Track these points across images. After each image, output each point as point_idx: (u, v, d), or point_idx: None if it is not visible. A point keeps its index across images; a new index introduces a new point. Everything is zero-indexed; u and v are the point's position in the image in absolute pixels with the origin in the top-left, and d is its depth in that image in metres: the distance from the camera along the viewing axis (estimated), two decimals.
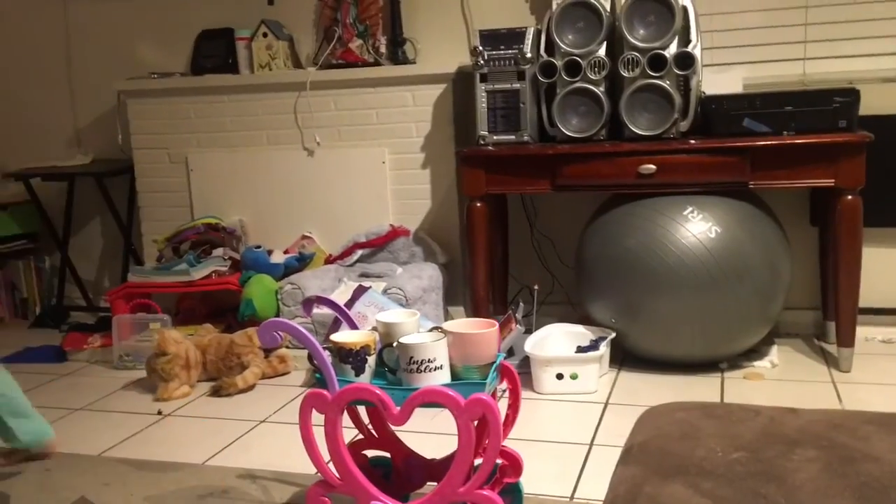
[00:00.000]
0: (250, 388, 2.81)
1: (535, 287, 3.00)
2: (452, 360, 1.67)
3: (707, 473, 0.92)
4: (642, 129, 2.75)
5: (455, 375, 1.67)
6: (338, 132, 3.40)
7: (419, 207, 3.35)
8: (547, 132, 2.90)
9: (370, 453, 1.93)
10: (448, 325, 1.71)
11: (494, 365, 1.69)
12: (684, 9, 2.71)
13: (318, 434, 1.67)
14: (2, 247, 3.85)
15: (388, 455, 1.92)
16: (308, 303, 1.94)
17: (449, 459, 1.71)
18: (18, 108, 3.99)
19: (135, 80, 3.61)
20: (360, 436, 1.93)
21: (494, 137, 2.93)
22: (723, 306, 2.59)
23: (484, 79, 2.92)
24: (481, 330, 1.69)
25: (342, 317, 1.89)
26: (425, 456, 1.92)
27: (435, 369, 1.64)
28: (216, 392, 2.78)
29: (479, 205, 2.90)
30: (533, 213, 3.35)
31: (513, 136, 2.91)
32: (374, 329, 1.76)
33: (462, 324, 1.75)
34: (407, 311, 1.80)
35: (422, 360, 1.63)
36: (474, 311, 2.98)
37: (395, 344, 1.68)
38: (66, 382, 3.02)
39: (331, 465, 1.70)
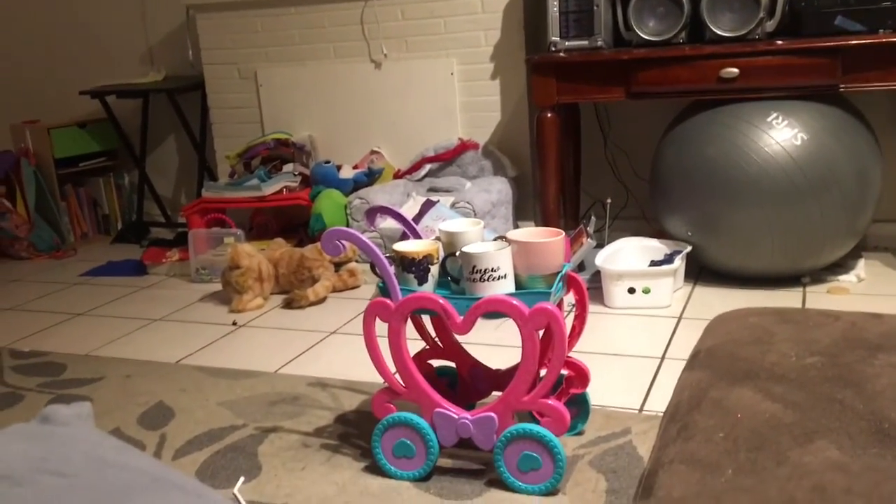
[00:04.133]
0: (321, 300, 2.84)
1: (608, 200, 2.92)
2: (517, 269, 1.63)
3: (779, 378, 0.86)
4: (725, 31, 2.58)
5: (519, 285, 1.63)
6: (405, 43, 3.32)
7: (488, 120, 3.27)
8: (622, 37, 2.76)
9: (436, 363, 1.92)
10: (512, 235, 1.67)
11: (560, 275, 1.64)
12: None
13: (385, 345, 1.67)
14: (83, 164, 3.95)
15: (453, 365, 1.92)
16: (371, 213, 1.91)
17: (514, 370, 1.69)
18: (92, 26, 4.03)
19: None
20: (427, 346, 1.92)
21: (566, 43, 2.81)
22: (807, 218, 2.46)
23: None
24: (546, 238, 1.64)
25: (404, 226, 1.86)
26: (490, 367, 1.91)
27: (498, 278, 1.60)
28: (288, 304, 2.83)
29: (549, 115, 2.81)
30: (606, 124, 3.23)
31: (586, 42, 2.78)
32: (438, 239, 1.73)
33: (527, 233, 1.70)
34: (471, 220, 1.76)
35: (485, 269, 1.59)
36: (545, 226, 2.91)
37: (457, 253, 1.64)
38: (146, 294, 3.12)
39: (397, 375, 1.70)
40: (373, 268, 1.69)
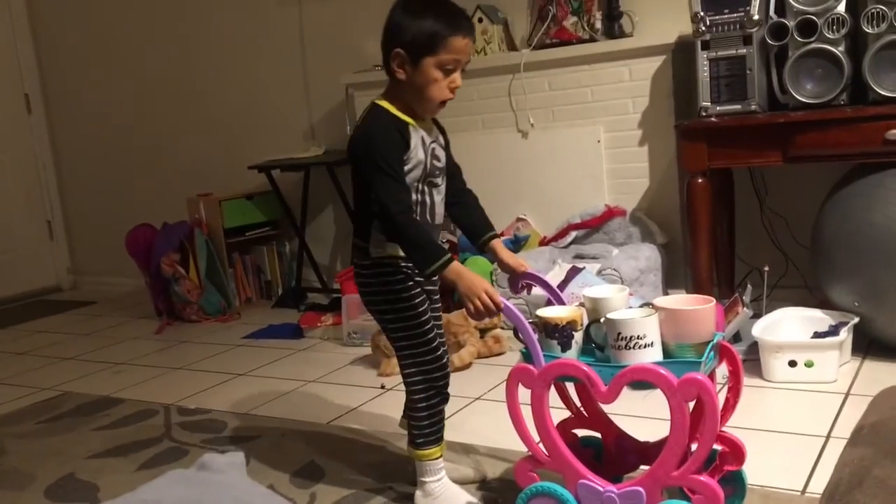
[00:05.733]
0: (466, 366, 2.86)
1: (766, 269, 2.78)
2: (665, 337, 1.58)
3: None
4: (891, 91, 2.45)
5: (667, 354, 1.58)
6: (552, 113, 3.36)
7: (636, 186, 3.23)
8: (777, 100, 2.68)
9: (581, 433, 1.88)
10: (660, 301, 1.63)
11: (711, 344, 1.58)
12: None
13: (529, 412, 1.65)
14: (249, 233, 4.22)
15: (598, 435, 1.87)
16: (515, 279, 1.93)
17: (663, 443, 1.62)
18: (261, 105, 4.35)
19: (361, 73, 3.79)
20: (571, 415, 1.89)
21: (718, 108, 2.75)
22: None
23: (706, 46, 2.75)
24: (696, 306, 1.59)
25: (548, 292, 1.86)
26: (638, 438, 1.84)
27: (645, 346, 1.56)
28: None
29: (701, 181, 2.74)
30: (762, 188, 3.11)
31: (738, 106, 2.72)
32: (582, 305, 1.72)
33: (676, 300, 1.66)
34: (616, 287, 1.74)
35: (630, 337, 1.56)
36: (697, 294, 2.81)
37: (602, 320, 1.62)
38: (301, 357, 3.25)
39: (541, 443, 1.67)
40: (516, 333, 1.69)
